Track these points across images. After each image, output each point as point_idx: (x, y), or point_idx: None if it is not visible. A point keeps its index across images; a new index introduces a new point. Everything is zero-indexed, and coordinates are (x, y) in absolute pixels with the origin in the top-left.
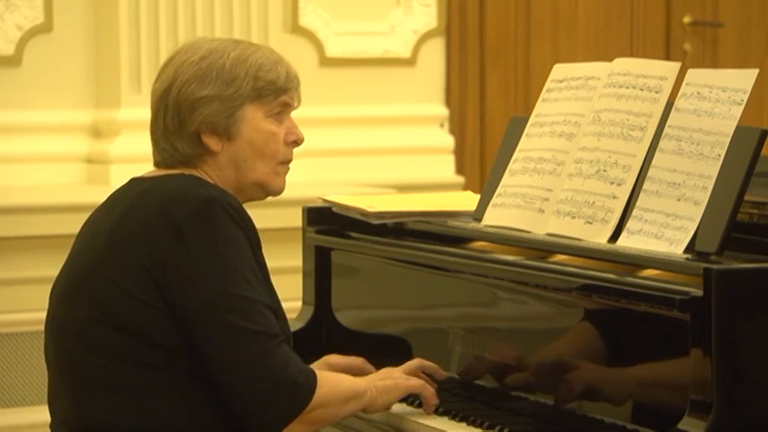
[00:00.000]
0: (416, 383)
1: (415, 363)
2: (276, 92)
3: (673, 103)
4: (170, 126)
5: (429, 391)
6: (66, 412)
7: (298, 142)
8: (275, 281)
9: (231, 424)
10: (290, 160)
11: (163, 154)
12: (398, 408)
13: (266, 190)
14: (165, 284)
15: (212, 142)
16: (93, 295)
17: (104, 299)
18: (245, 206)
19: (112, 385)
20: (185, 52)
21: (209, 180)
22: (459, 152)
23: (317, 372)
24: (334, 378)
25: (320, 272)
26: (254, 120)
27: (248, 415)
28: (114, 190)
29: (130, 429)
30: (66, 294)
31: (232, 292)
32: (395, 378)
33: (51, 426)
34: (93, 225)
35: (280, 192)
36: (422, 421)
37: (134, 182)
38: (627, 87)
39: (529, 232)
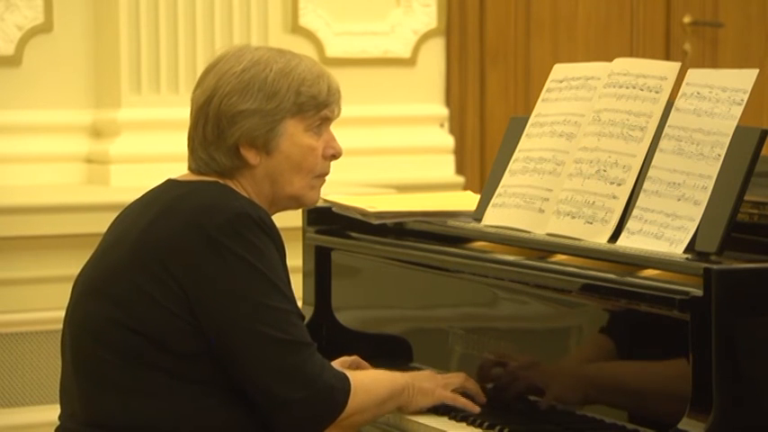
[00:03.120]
0: (450, 395)
1: (461, 377)
2: (317, 107)
3: (673, 103)
4: (209, 137)
5: (462, 402)
6: (76, 406)
7: (336, 156)
8: None
9: (242, 429)
10: (326, 173)
11: (198, 162)
12: None
13: (300, 203)
14: (195, 295)
15: (251, 155)
16: (115, 296)
17: (127, 302)
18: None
19: (124, 385)
20: (228, 61)
21: (244, 192)
22: (460, 152)
23: (352, 376)
24: (369, 382)
25: (320, 272)
26: (293, 134)
27: (287, 423)
28: (151, 188)
29: (138, 430)
30: (89, 291)
31: (267, 303)
32: (434, 384)
33: (60, 417)
34: (124, 223)
35: (313, 204)
36: (422, 421)
37: (170, 184)
38: (627, 87)
39: (529, 232)
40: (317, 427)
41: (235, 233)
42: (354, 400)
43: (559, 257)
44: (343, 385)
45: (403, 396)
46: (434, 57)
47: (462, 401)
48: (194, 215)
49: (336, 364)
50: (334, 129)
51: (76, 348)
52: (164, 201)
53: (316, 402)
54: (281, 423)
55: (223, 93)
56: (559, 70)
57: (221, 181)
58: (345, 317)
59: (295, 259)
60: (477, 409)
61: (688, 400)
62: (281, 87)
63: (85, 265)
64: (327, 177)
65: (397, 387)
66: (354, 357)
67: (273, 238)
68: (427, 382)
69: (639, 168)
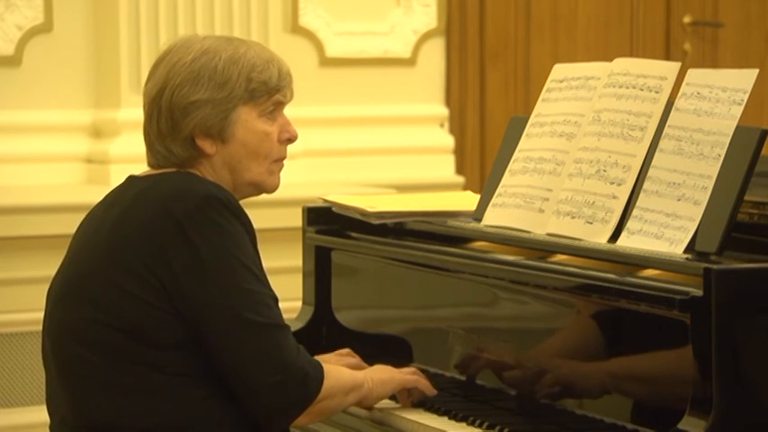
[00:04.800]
0: (411, 378)
1: (411, 371)
2: (269, 92)
3: (673, 103)
4: (164, 129)
5: (424, 384)
6: (65, 411)
7: (291, 139)
8: (275, 281)
9: (229, 420)
10: (284, 158)
11: (157, 156)
12: (397, 406)
13: (260, 189)
14: (171, 282)
15: (206, 145)
16: (92, 295)
17: (104, 299)
18: (244, 205)
19: (110, 384)
20: (176, 52)
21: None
22: (459, 152)
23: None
24: (334, 370)
25: (320, 272)
26: (247, 121)
27: (262, 407)
28: (112, 188)
29: (129, 427)
30: (64, 294)
31: (240, 286)
32: (390, 373)
33: (50, 425)
34: (91, 224)
35: (274, 190)
36: (422, 421)
37: (132, 180)
38: (627, 87)
39: (529, 232)
40: (291, 412)
41: (203, 217)
42: (324, 384)
43: (559, 257)
44: (317, 372)
45: (363, 388)
46: (434, 57)
47: (424, 383)
48: (162, 204)
49: (332, 357)
50: (337, 127)
51: (58, 354)
52: (128, 197)
53: (290, 387)
54: (255, 407)
55: (174, 84)
56: (559, 70)
57: (182, 170)
58: (345, 317)
59: (295, 259)
60: (433, 392)
61: (688, 400)
62: (232, 75)
63: (56, 274)
64: (328, 177)
65: (357, 379)
66: (347, 351)
67: (242, 220)
68: (383, 373)
69: (639, 168)
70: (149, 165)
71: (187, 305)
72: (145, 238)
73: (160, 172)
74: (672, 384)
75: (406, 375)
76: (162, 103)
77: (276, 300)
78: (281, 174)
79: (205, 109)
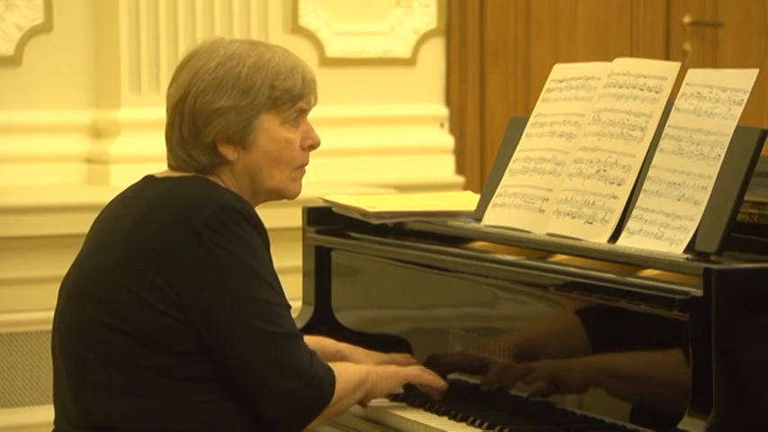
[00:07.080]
0: (414, 372)
1: (419, 367)
2: (292, 99)
3: (673, 103)
4: (186, 135)
5: (428, 378)
6: (70, 409)
7: (314, 146)
8: None
9: (236, 424)
10: (305, 164)
11: (178, 160)
12: (397, 405)
13: (282, 195)
14: (185, 291)
15: (228, 152)
16: (103, 298)
17: (114, 302)
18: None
19: (115, 386)
20: (201, 57)
21: (224, 186)
22: (460, 152)
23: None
24: (342, 370)
25: (320, 272)
26: (270, 129)
27: (277, 414)
28: (129, 186)
29: (132, 429)
30: (76, 293)
31: (257, 297)
32: (395, 368)
33: (55, 420)
34: (107, 223)
35: (295, 196)
36: (422, 421)
37: (149, 181)
38: (627, 87)
39: (529, 232)
40: (307, 418)
41: (221, 227)
42: (337, 389)
43: (559, 257)
44: (330, 377)
45: (368, 383)
46: (434, 57)
47: (428, 378)
48: (179, 211)
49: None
50: (336, 127)
51: (66, 352)
52: (146, 200)
53: (306, 394)
54: (272, 414)
55: (197, 90)
56: (559, 70)
57: (202, 176)
58: (345, 317)
59: (295, 259)
60: (441, 383)
61: (688, 400)
62: (255, 82)
63: (69, 270)
64: (328, 177)
65: (362, 374)
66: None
67: (259, 230)
68: (387, 367)
69: (639, 168)
70: (169, 165)
71: (201, 313)
72: (160, 245)
73: (179, 175)
74: (672, 384)
75: (410, 370)
76: (185, 109)
77: (290, 308)
78: None
79: (228, 116)
